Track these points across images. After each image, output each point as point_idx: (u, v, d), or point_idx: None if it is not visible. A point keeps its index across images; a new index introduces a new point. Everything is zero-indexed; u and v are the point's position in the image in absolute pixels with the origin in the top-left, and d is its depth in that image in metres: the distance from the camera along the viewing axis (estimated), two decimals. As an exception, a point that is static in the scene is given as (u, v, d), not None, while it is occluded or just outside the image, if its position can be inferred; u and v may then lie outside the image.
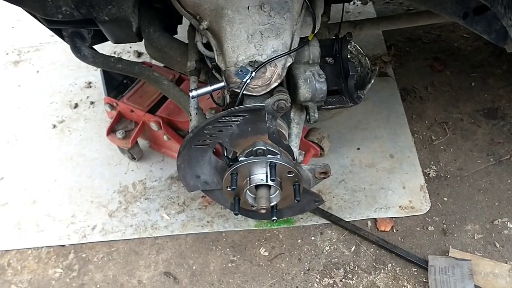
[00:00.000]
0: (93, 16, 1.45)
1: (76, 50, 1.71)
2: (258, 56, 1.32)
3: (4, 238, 1.98)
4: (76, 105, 2.47)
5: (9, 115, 2.47)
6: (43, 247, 1.94)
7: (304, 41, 1.41)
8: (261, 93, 1.33)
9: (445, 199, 1.97)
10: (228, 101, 1.37)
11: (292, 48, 1.35)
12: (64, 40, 1.74)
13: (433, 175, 2.04)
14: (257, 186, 1.33)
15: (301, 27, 1.40)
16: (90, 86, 2.56)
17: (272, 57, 1.31)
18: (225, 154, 1.38)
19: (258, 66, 1.30)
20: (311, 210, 1.92)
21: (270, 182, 1.30)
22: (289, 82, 1.46)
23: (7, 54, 2.84)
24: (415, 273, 1.77)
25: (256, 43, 1.32)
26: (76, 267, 1.88)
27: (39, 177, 2.17)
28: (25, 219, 2.03)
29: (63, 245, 1.94)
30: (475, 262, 1.74)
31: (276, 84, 1.33)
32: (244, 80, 1.29)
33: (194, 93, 1.36)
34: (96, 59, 1.72)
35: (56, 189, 2.12)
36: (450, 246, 1.81)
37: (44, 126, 2.39)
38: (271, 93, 1.34)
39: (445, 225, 1.88)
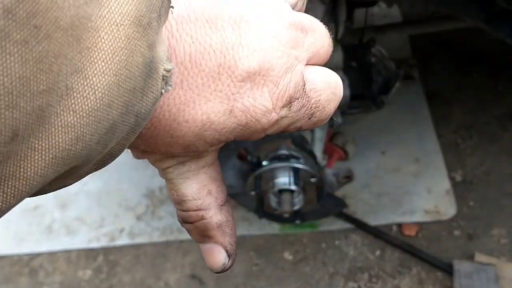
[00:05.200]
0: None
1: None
2: (281, 63, 1.34)
3: (36, 241, 2.04)
4: (104, 111, 2.53)
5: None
6: (73, 249, 2.00)
7: (327, 47, 1.42)
8: (284, 99, 1.35)
9: (471, 203, 1.95)
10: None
11: (314, 54, 1.36)
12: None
13: (459, 179, 2.03)
14: (280, 191, 1.35)
15: (324, 33, 1.41)
16: (118, 92, 2.62)
17: (295, 63, 1.33)
18: (249, 158, 1.41)
19: (282, 72, 1.32)
20: (334, 214, 1.93)
21: (293, 187, 1.32)
22: (312, 87, 1.48)
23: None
24: (440, 277, 1.76)
25: (279, 50, 1.34)
26: (105, 269, 1.93)
27: (70, 181, 2.23)
28: (56, 222, 2.09)
29: (93, 248, 1.99)
30: (500, 267, 1.72)
31: (298, 90, 1.35)
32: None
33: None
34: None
35: (85, 193, 2.18)
36: (476, 251, 1.80)
37: (74, 131, 2.45)
38: (294, 98, 1.36)
39: (470, 230, 1.87)
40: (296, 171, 1.30)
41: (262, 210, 1.42)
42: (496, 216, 1.90)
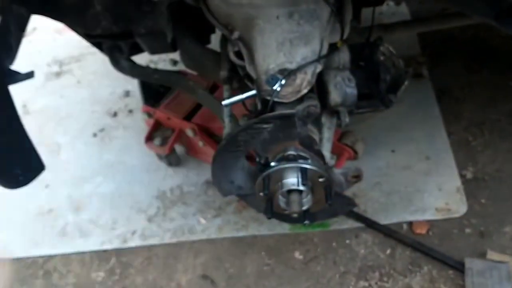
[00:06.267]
0: (131, 29, 1.51)
1: (115, 62, 1.78)
2: (288, 64, 1.34)
3: (50, 244, 2.07)
4: (115, 114, 2.56)
5: (53, 124, 2.58)
6: (86, 251, 2.03)
7: (333, 48, 1.42)
8: (291, 100, 1.36)
9: (483, 201, 1.94)
10: (259, 108, 1.40)
11: (321, 55, 1.37)
12: (103, 53, 1.82)
13: (470, 177, 2.02)
14: (289, 191, 1.35)
15: (330, 33, 1.42)
16: (128, 95, 2.65)
17: (302, 64, 1.33)
18: (258, 159, 1.41)
19: (288, 73, 1.33)
20: (344, 214, 1.93)
21: (301, 187, 1.32)
22: (320, 87, 1.48)
23: (49, 66, 2.96)
24: (452, 276, 1.75)
25: (286, 51, 1.34)
26: (118, 271, 1.95)
27: (82, 184, 2.26)
28: (69, 225, 2.12)
29: (105, 250, 2.02)
30: (513, 264, 1.72)
31: (306, 90, 1.35)
32: (275, 87, 1.32)
33: (226, 102, 1.40)
34: (134, 70, 1.79)
35: (98, 196, 2.21)
36: (488, 249, 1.79)
37: (86, 134, 2.48)
38: (301, 99, 1.37)
39: (482, 228, 1.86)
40: (304, 171, 1.30)
41: (271, 211, 1.43)
42: (508, 213, 1.89)
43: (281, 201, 1.39)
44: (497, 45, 2.53)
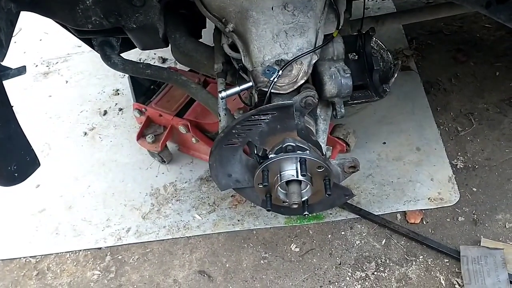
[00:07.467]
0: (121, 24, 1.50)
1: (106, 58, 1.77)
2: (284, 55, 1.35)
3: (43, 243, 2.05)
4: (105, 112, 2.54)
5: (42, 125, 2.54)
6: (80, 250, 2.01)
7: (328, 38, 1.43)
8: (288, 91, 1.36)
9: (474, 189, 1.97)
10: (256, 100, 1.41)
11: (317, 46, 1.38)
12: (94, 49, 1.80)
13: (461, 166, 2.05)
14: (288, 182, 1.35)
15: (324, 24, 1.42)
16: (118, 94, 2.63)
17: (298, 55, 1.34)
18: (255, 152, 1.42)
19: (285, 64, 1.33)
20: (340, 205, 1.94)
21: (300, 178, 1.32)
22: (315, 79, 1.49)
23: (37, 66, 2.93)
24: (447, 264, 1.77)
25: (281, 42, 1.35)
26: (113, 269, 1.93)
27: (74, 183, 2.24)
28: (62, 224, 2.10)
29: (100, 248, 2.00)
30: (507, 251, 1.74)
31: (302, 81, 1.36)
32: (271, 79, 1.32)
33: (223, 94, 1.40)
34: (126, 66, 1.78)
35: (90, 194, 2.19)
36: (482, 236, 1.81)
37: (76, 134, 2.46)
38: (298, 90, 1.37)
39: (475, 215, 1.89)
40: (303, 162, 1.31)
41: (270, 203, 1.43)
42: (499, 201, 1.92)
43: (281, 192, 1.40)
44: (482, 36, 2.56)
